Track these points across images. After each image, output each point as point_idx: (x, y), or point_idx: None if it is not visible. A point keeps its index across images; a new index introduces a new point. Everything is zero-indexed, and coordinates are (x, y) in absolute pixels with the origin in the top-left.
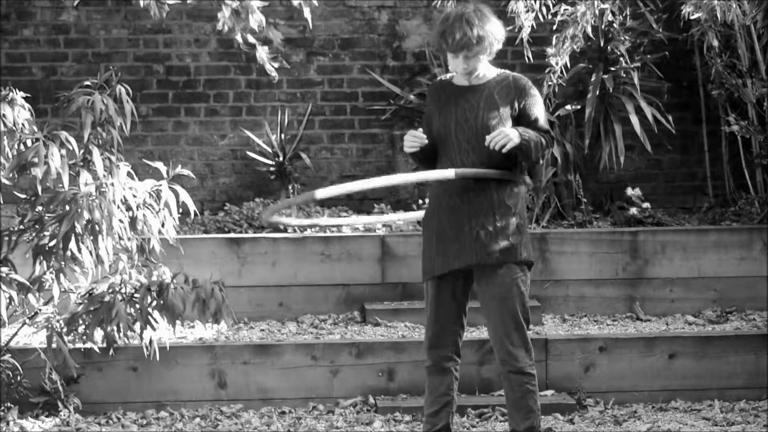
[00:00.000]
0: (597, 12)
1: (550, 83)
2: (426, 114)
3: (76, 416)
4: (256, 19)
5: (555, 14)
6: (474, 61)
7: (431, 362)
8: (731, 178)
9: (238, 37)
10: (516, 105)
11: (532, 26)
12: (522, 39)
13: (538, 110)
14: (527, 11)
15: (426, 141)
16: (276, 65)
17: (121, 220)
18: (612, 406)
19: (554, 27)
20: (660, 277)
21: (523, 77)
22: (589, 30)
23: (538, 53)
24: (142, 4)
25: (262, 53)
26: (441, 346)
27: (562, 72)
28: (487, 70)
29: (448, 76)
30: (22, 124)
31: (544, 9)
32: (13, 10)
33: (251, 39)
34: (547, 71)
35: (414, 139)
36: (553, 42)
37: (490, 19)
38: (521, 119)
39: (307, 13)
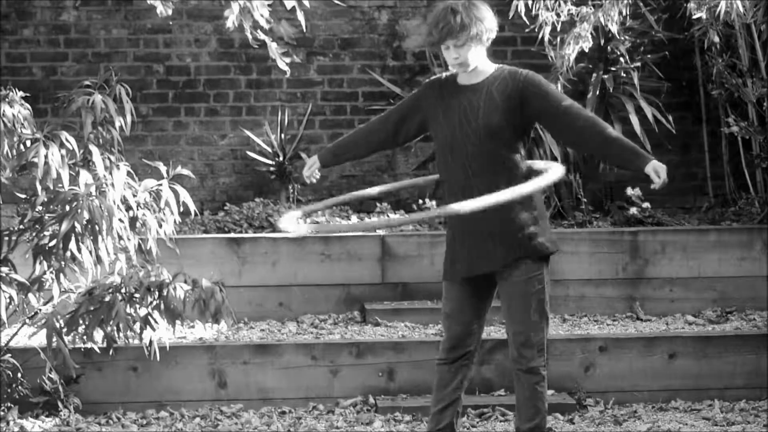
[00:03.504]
0: (610, 15)
1: (557, 83)
2: (417, 104)
3: (76, 416)
4: (263, 16)
5: (559, 14)
6: (464, 50)
7: (448, 360)
8: (731, 178)
9: (248, 34)
10: (517, 97)
11: (536, 26)
12: (543, 37)
13: (558, 94)
14: (547, 10)
15: (318, 165)
16: (287, 60)
17: (121, 220)
18: (612, 406)
19: (559, 26)
20: (660, 277)
21: (519, 69)
22: (614, 29)
23: (537, 53)
24: (149, 1)
25: (274, 49)
26: (461, 346)
27: (568, 73)
28: (485, 65)
29: (451, 73)
30: (22, 124)
31: (564, 8)
32: (13, 10)
33: (261, 35)
34: (553, 70)
35: (309, 170)
36: (557, 42)
37: (478, 8)
38: (540, 111)
39: (300, 17)
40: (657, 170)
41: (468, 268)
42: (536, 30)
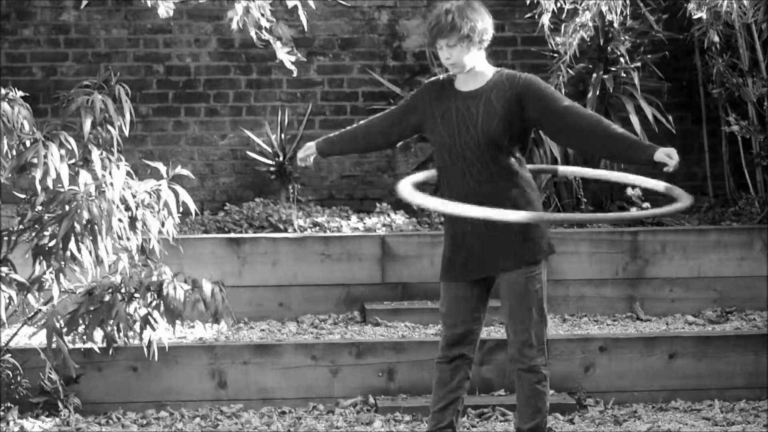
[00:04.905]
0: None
1: (559, 73)
2: (413, 104)
3: (76, 416)
4: (264, 15)
5: (563, 3)
6: (456, 51)
7: (445, 359)
8: (731, 178)
9: (253, 35)
10: (516, 101)
11: (536, 25)
12: (543, 26)
13: (558, 95)
14: None
15: (315, 152)
16: (293, 59)
17: (120, 220)
18: (612, 406)
19: (563, 16)
20: (660, 277)
21: (517, 72)
22: (614, 18)
23: (537, 53)
24: (149, 3)
25: (279, 49)
26: (459, 345)
27: (571, 61)
28: (483, 69)
29: (449, 75)
30: (21, 124)
31: None
32: (13, 10)
33: (266, 36)
34: (555, 61)
35: (304, 152)
36: (562, 30)
37: (473, 9)
38: (539, 113)
39: (302, 16)
40: (668, 153)
41: (466, 272)
42: (536, 17)
